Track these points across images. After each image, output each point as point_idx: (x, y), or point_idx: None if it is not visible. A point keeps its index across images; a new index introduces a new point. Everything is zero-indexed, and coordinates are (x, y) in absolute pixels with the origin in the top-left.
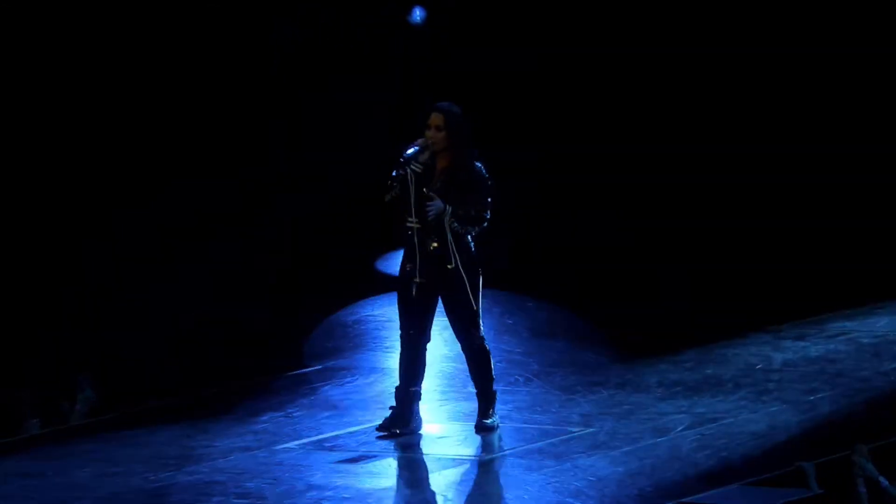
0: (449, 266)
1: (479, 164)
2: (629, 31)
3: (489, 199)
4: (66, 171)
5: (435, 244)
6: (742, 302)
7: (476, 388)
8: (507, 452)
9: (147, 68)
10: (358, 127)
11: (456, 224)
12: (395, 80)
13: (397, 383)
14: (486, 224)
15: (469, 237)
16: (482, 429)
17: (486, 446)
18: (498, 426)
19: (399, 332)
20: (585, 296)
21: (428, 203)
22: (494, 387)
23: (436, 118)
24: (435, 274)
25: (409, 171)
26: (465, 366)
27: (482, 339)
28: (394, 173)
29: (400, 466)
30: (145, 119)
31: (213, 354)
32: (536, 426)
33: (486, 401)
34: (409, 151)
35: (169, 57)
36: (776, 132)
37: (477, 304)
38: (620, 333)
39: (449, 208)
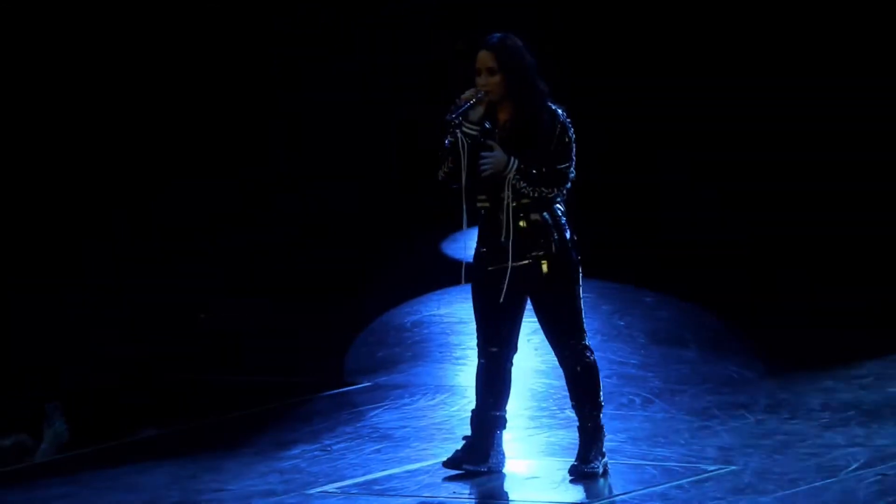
0: (541, 253)
1: (555, 108)
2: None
3: (572, 153)
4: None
5: (521, 223)
6: None
7: (577, 419)
8: (618, 498)
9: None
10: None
11: (524, 184)
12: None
13: (473, 406)
14: (568, 185)
15: (561, 212)
16: (581, 476)
17: (590, 491)
18: (604, 472)
19: (475, 340)
20: (724, 288)
21: (483, 154)
22: (602, 414)
23: (485, 58)
24: (522, 264)
25: (459, 135)
26: (564, 383)
27: (587, 349)
28: (446, 142)
29: None
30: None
31: (227, 369)
32: (658, 463)
33: (588, 437)
34: (458, 110)
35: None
36: None
37: (578, 303)
38: (773, 338)
39: (514, 162)
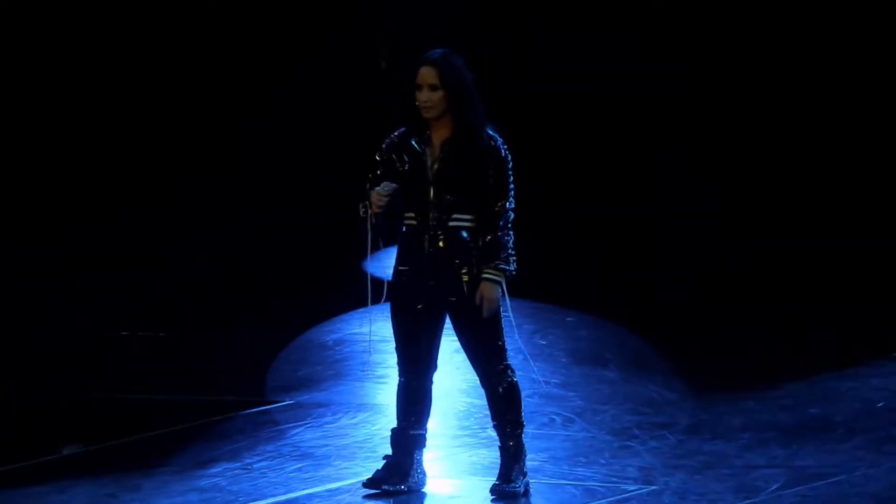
0: (463, 272)
1: (491, 132)
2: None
3: (510, 186)
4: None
5: (441, 243)
6: (858, 321)
7: (499, 438)
8: None
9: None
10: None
11: (509, 267)
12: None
13: (393, 425)
14: (512, 216)
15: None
16: (502, 495)
17: None
18: (525, 492)
19: (395, 358)
20: (644, 309)
21: (486, 307)
22: (524, 434)
23: (427, 74)
24: (442, 284)
25: (389, 157)
26: (485, 402)
27: (508, 369)
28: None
29: None
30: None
31: (145, 385)
32: (579, 483)
33: (510, 456)
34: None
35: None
36: None
37: (499, 322)
38: (693, 360)
39: (499, 279)
